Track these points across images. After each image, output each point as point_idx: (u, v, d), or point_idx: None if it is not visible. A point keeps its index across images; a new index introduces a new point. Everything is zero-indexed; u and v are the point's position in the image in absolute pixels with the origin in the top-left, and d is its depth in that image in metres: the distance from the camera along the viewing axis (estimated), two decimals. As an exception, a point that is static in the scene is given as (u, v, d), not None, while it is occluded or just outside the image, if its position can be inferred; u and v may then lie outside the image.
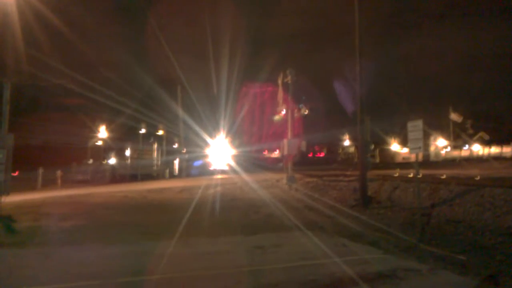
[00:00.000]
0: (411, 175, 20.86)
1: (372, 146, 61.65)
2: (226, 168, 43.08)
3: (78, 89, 35.46)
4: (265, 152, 71.62)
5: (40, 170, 30.68)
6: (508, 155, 60.58)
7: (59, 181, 31.73)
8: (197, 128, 42.83)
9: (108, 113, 46.78)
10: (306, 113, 25.64)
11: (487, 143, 69.94)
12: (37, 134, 38.43)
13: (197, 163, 49.08)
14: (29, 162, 30.29)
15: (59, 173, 32.15)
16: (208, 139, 44.01)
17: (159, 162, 45.19)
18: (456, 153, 67.62)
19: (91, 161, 44.71)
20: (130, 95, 42.55)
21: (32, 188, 28.13)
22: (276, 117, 25.13)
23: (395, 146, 72.58)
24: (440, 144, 70.32)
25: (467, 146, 71.11)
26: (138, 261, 8.45)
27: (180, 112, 44.79)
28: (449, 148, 71.42)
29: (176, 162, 45.24)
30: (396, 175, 23.01)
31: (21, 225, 12.42)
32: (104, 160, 47.23)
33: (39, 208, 16.68)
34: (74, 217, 14.32)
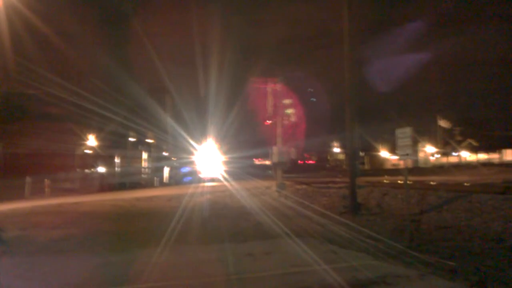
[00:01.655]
0: (400, 182, 20.95)
1: (362, 153, 62.09)
2: (215, 175, 43.01)
3: (67, 97, 35.28)
4: (255, 159, 71.59)
5: (28, 179, 30.42)
6: (496, 161, 61.19)
7: (47, 189, 31.47)
8: (185, 134, 42.73)
9: (97, 121, 46.53)
10: (295, 120, 25.57)
11: (475, 149, 70.56)
12: (25, 142, 38.09)
13: (185, 169, 48.95)
14: (17, 170, 30.03)
15: (47, 181, 31.89)
16: (196, 145, 43.92)
17: (148, 170, 45.05)
18: (444, 159, 68.22)
19: (79, 169, 44.42)
20: (118, 103, 42.37)
21: (20, 196, 27.88)
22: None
23: (384, 153, 72.93)
24: (429, 151, 70.78)
25: (455, 152, 71.66)
26: (126, 270, 8.39)
27: (169, 120, 44.72)
28: (438, 155, 71.92)
29: (166, 170, 45.11)
30: (385, 181, 23.10)
31: (9, 235, 12.29)
32: (92, 168, 46.95)
33: (27, 217, 16.53)
34: (62, 226, 14.20)
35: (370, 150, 70.80)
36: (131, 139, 48.15)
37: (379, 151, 72.66)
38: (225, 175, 37.24)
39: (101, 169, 46.06)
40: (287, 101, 25.36)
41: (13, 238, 12.01)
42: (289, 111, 25.46)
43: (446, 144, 70.70)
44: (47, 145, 39.27)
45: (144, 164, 45.47)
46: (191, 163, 47.93)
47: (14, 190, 28.01)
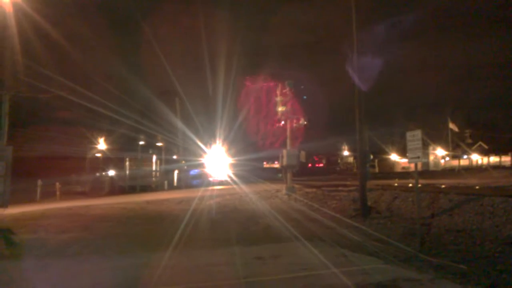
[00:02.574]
0: (410, 185, 20.84)
1: (371, 156, 61.84)
2: (224, 178, 42.97)
3: (77, 101, 35.48)
4: (265, 162, 71.55)
5: (39, 182, 30.65)
6: (507, 164, 60.58)
7: (58, 192, 31.67)
8: (195, 137, 42.75)
9: (107, 125, 46.84)
10: (305, 123, 25.51)
11: (486, 152, 70.01)
12: (36, 146, 38.39)
13: (195, 172, 49.00)
14: (28, 173, 30.26)
15: (58, 185, 32.11)
16: (205, 148, 43.91)
17: (158, 173, 45.17)
18: (455, 162, 67.64)
19: (90, 172, 44.70)
20: (128, 106, 42.59)
21: (31, 199, 28.09)
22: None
23: (394, 156, 72.60)
24: (439, 154, 70.34)
25: (466, 155, 71.15)
26: (136, 273, 8.42)
27: (179, 124, 44.84)
28: (448, 158, 71.45)
29: (175, 173, 45.21)
30: (396, 185, 22.98)
31: (20, 238, 12.39)
32: (103, 172, 47.19)
33: (38, 221, 16.63)
34: (73, 229, 14.27)
35: (380, 153, 70.53)
36: (141, 142, 48.33)
37: (389, 154, 72.38)
38: (234, 178, 37.22)
39: (112, 172, 46.27)
40: (295, 104, 25.32)
41: (25, 241, 12.09)
42: (298, 115, 25.41)
43: (457, 146, 70.24)
44: (58, 149, 39.60)
45: (154, 167, 45.59)
46: (201, 166, 47.96)
47: (25, 193, 28.22)
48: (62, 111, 41.55)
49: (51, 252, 10.75)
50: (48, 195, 30.66)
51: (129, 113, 42.85)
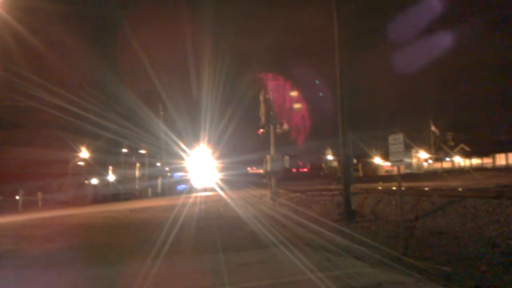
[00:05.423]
0: (394, 188, 20.97)
1: (355, 160, 62.11)
2: (209, 184, 42.81)
3: (59, 108, 35.20)
4: (249, 168, 71.51)
5: (21, 192, 30.30)
6: (489, 166, 61.33)
7: (40, 202, 31.32)
8: (179, 143, 42.51)
9: (90, 133, 46.43)
10: (287, 128, 25.55)
11: (468, 154, 70.77)
12: (18, 154, 37.92)
13: (178, 176, 48.82)
14: (9, 183, 29.91)
15: (40, 194, 31.77)
16: (190, 155, 43.69)
17: (142, 181, 44.93)
18: (438, 165, 68.32)
19: (72, 181, 44.27)
20: (112, 112, 42.30)
21: (13, 209, 27.72)
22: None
23: (377, 160, 72.98)
24: (422, 157, 70.93)
25: (448, 158, 71.86)
26: (121, 282, 8.34)
27: (162, 129, 44.62)
28: (431, 161, 72.07)
29: (159, 180, 44.97)
30: (379, 188, 23.10)
31: (2, 248, 12.21)
32: (86, 180, 46.77)
33: (20, 231, 16.43)
34: (56, 239, 14.12)
35: (364, 157, 70.84)
36: (124, 150, 48.00)
37: (372, 158, 72.72)
38: (220, 183, 37.16)
39: (95, 181, 45.89)
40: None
41: (6, 251, 11.92)
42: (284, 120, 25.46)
43: (439, 149, 70.91)
44: (40, 156, 39.17)
45: (138, 174, 45.31)
46: (185, 173, 47.81)
47: (6, 203, 27.88)
48: (45, 120, 41.17)
49: (33, 262, 10.60)
50: (30, 205, 30.30)
51: (113, 118, 42.56)
